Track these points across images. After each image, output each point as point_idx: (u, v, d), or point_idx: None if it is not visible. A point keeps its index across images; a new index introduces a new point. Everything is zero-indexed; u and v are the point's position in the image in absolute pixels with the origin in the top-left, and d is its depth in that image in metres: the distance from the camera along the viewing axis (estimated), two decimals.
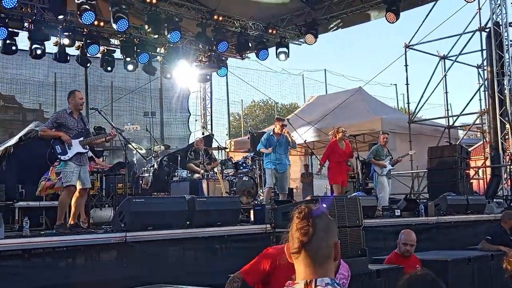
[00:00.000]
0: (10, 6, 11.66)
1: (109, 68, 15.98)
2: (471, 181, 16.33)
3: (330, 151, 11.73)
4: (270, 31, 15.84)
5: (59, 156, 7.61)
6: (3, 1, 11.40)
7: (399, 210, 10.85)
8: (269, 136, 11.43)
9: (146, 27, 13.71)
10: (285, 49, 16.17)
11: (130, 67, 16.05)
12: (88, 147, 7.90)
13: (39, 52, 14.05)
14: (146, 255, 6.96)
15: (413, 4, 14.72)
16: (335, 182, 11.65)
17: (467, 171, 15.18)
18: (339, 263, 2.20)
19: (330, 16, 15.50)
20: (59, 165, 7.93)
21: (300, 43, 16.91)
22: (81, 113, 7.97)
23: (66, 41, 14.05)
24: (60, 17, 12.75)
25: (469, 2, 13.89)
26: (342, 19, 15.76)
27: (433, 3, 15.55)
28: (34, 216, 9.26)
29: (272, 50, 16.28)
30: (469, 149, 17.39)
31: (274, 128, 11.48)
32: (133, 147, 11.08)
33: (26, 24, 13.52)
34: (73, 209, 7.71)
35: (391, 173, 12.62)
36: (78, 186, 7.68)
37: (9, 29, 12.94)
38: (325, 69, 24.88)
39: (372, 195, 12.43)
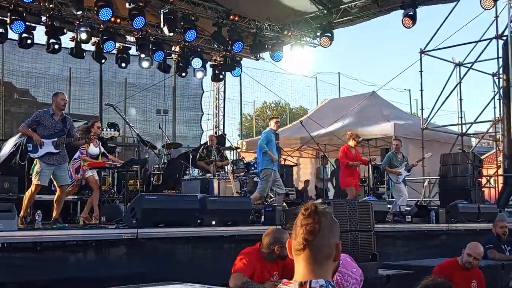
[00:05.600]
0: (29, 1, 11.74)
1: (123, 65, 16.02)
2: (483, 189, 16.24)
3: (344, 154, 11.70)
4: (285, 32, 15.83)
5: (29, 153, 7.96)
6: None
7: (409, 216, 10.82)
8: (271, 134, 11.07)
9: (162, 25, 13.74)
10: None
11: (145, 64, 16.13)
12: (60, 148, 8.00)
13: (55, 46, 14.15)
14: (157, 252, 6.99)
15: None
16: (349, 185, 11.60)
17: (479, 179, 15.09)
18: (338, 264, 2.22)
19: (347, 19, 15.47)
20: (32, 168, 8.28)
21: (315, 45, 16.88)
22: (65, 115, 8.21)
23: (82, 36, 14.08)
24: (79, 12, 12.74)
25: (487, 9, 13.80)
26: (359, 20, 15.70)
27: (450, 9, 15.52)
28: (45, 209, 9.31)
29: (286, 52, 16.26)
30: (482, 157, 17.29)
31: (270, 126, 11.19)
32: (146, 144, 11.14)
33: (43, 19, 13.59)
34: (55, 205, 8.06)
35: (407, 179, 12.57)
36: (56, 184, 8.04)
37: (27, 23, 13.01)
38: (339, 73, 24.80)
39: (383, 200, 12.40)
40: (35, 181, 7.80)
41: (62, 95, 8.19)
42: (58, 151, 7.95)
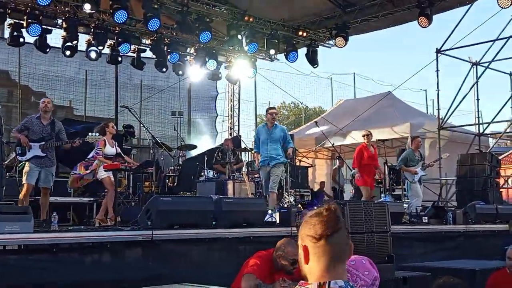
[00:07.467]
0: (45, 4, 11.80)
1: (143, 67, 16.06)
2: (501, 190, 16.06)
3: (360, 154, 11.68)
4: (300, 33, 15.77)
5: (17, 156, 8.47)
6: None
7: (426, 218, 10.73)
8: (258, 130, 10.13)
9: (177, 27, 13.73)
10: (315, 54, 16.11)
11: (163, 69, 16.09)
12: (48, 152, 8.43)
13: (70, 50, 14.17)
14: (172, 254, 6.98)
15: (445, 7, 14.45)
16: (364, 184, 11.54)
17: (497, 180, 14.92)
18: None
19: (362, 19, 15.36)
20: (19, 165, 8.72)
21: (330, 45, 16.80)
22: (53, 120, 8.69)
23: (98, 39, 14.12)
24: (87, 6, 12.30)
25: (504, 8, 13.63)
26: (374, 22, 15.58)
27: (467, 8, 15.35)
28: (62, 211, 9.38)
29: (301, 52, 16.20)
30: (499, 158, 17.10)
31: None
32: (161, 146, 11.16)
33: (59, 22, 13.65)
34: (41, 207, 8.46)
35: (423, 179, 12.47)
36: (39, 185, 8.43)
37: (43, 26, 13.09)
38: (354, 73, 24.71)
39: (399, 201, 12.31)
40: (24, 180, 8.22)
41: (43, 99, 8.73)
42: (45, 154, 8.37)
